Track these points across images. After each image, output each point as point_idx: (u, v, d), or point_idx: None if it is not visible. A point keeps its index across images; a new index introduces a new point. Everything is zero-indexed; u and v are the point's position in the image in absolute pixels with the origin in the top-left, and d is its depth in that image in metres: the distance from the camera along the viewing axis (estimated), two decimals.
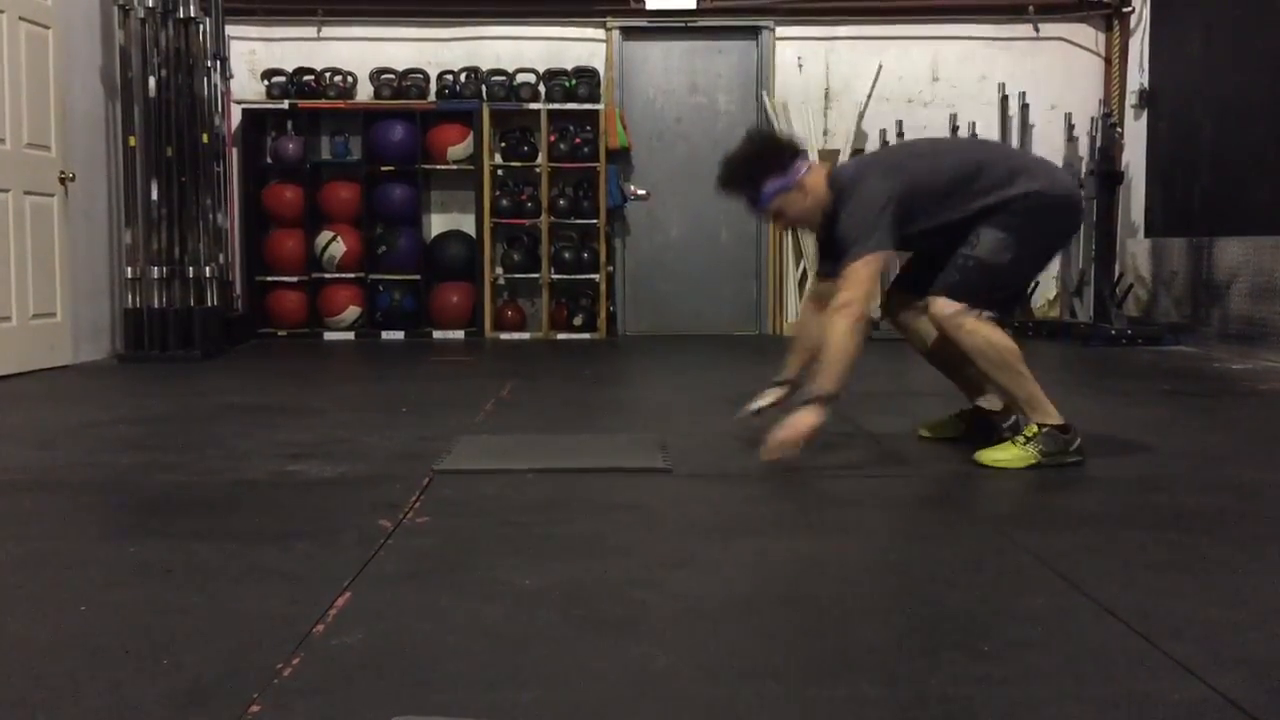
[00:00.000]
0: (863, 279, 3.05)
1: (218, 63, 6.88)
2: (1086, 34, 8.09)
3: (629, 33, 8.06)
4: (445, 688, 1.61)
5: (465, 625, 1.87)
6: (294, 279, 7.74)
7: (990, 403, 3.47)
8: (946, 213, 3.15)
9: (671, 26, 8.06)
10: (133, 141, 6.33)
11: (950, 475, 3.09)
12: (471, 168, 7.80)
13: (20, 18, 5.58)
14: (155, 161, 6.34)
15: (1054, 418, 3.15)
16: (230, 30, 7.33)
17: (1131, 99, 7.79)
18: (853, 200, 3.14)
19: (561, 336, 7.80)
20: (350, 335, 7.71)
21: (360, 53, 7.95)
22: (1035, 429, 3.15)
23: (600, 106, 7.79)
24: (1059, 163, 7.81)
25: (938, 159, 3.22)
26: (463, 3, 7.96)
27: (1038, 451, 3.12)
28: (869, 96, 8.00)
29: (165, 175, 6.37)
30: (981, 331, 3.12)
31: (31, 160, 5.69)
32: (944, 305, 3.14)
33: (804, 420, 3.02)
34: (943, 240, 3.18)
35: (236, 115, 7.67)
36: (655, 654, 1.74)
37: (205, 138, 6.60)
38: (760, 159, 3.20)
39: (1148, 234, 7.61)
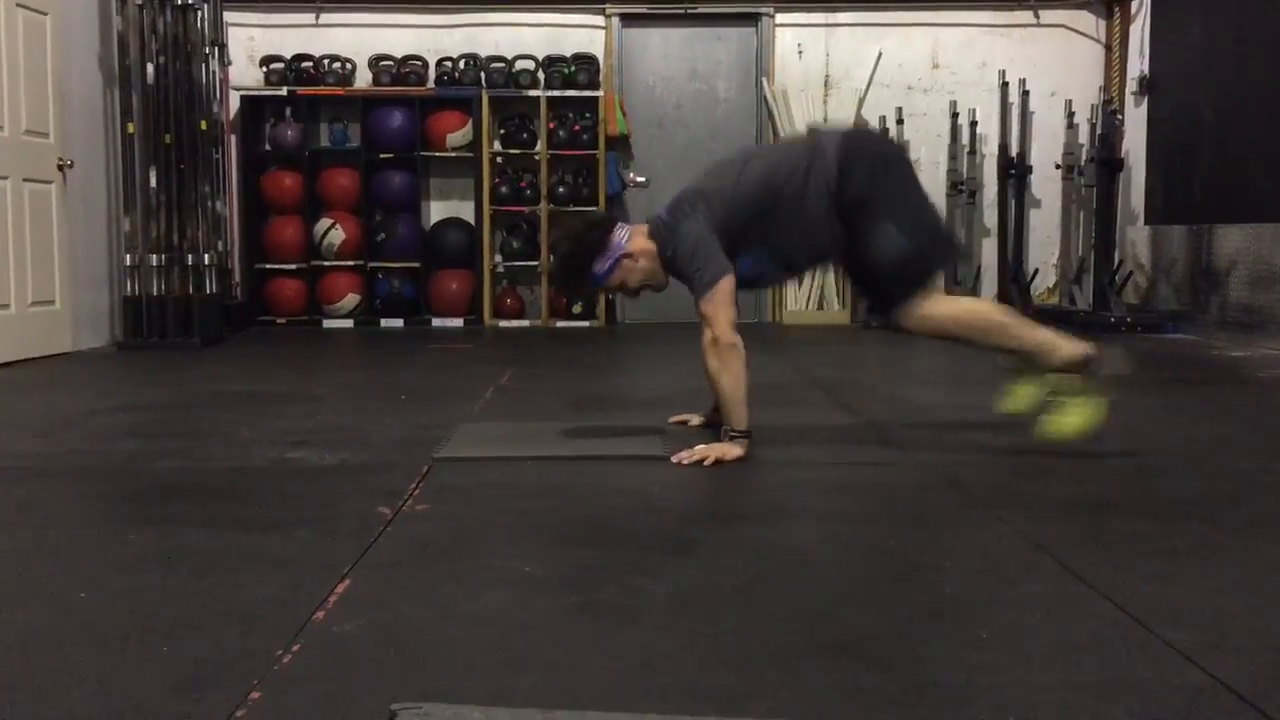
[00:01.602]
0: (717, 312, 3.07)
1: (216, 49, 6.86)
2: (1087, 21, 8.07)
3: (628, 19, 8.04)
4: (445, 674, 1.61)
5: (465, 612, 1.88)
6: (293, 266, 7.74)
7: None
8: (780, 221, 3.12)
9: (671, 13, 8.04)
10: (131, 128, 6.32)
11: (948, 462, 3.10)
12: (471, 155, 7.79)
13: (18, 4, 5.56)
14: (154, 149, 6.33)
15: (1072, 350, 3.07)
16: (228, 16, 7.31)
17: (1132, 86, 7.77)
18: (674, 250, 3.15)
19: (561, 324, 7.80)
20: (349, 323, 7.71)
21: (359, 39, 7.93)
22: (1062, 379, 3.07)
23: (599, 93, 7.77)
24: (1059, 152, 7.83)
25: (740, 176, 3.17)
26: None
27: (1083, 389, 3.05)
28: (869, 83, 7.98)
29: (164, 162, 6.36)
30: (947, 314, 3.11)
31: (30, 147, 5.68)
32: (906, 319, 3.11)
33: (729, 450, 3.07)
34: (828, 240, 3.15)
35: (235, 102, 7.65)
36: (654, 640, 1.74)
37: (204, 125, 6.59)
38: (577, 251, 3.23)
39: (1147, 221, 7.60)
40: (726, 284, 3.10)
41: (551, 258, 3.33)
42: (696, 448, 3.09)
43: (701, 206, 3.14)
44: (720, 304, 3.08)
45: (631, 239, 3.22)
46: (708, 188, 3.19)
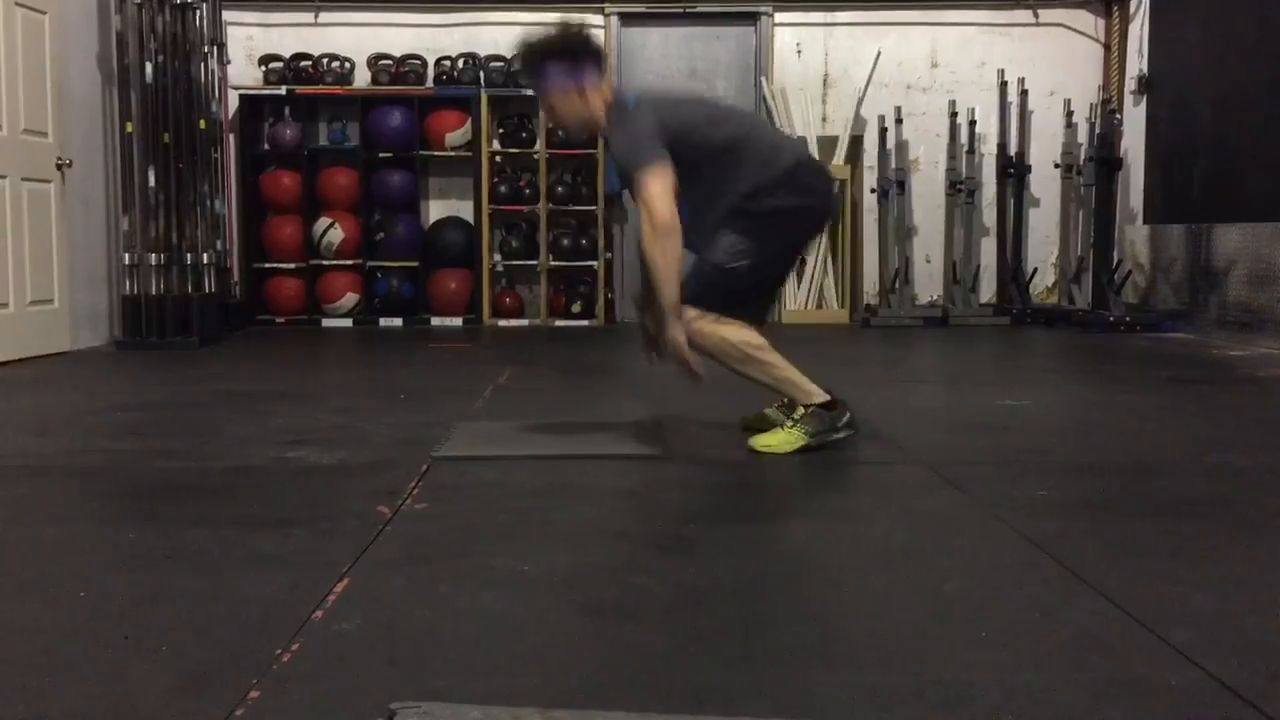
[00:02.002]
0: (655, 197, 3.03)
1: (215, 48, 6.86)
2: (1085, 20, 8.07)
3: (627, 18, 8.04)
4: (444, 673, 1.61)
5: (463, 611, 1.88)
6: (292, 266, 7.73)
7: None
8: (704, 185, 3.15)
9: (670, 12, 8.03)
10: (130, 127, 6.31)
11: (947, 462, 3.10)
12: (470, 154, 7.78)
13: (16, 3, 5.56)
14: (152, 148, 6.33)
15: (817, 396, 3.21)
16: (227, 15, 7.30)
17: (1131, 85, 7.77)
18: (623, 127, 3.15)
19: (560, 323, 7.80)
20: (348, 322, 7.71)
21: (358, 38, 7.92)
22: (801, 410, 3.22)
23: None
24: (1058, 151, 7.83)
25: (714, 124, 3.20)
26: None
27: (804, 433, 3.19)
28: (868, 83, 7.98)
29: (163, 161, 6.36)
30: (716, 332, 3.17)
31: (28, 146, 5.68)
32: (686, 313, 3.17)
33: (676, 337, 3.09)
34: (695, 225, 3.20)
35: (234, 101, 7.65)
36: (653, 639, 1.74)
37: (202, 124, 6.59)
38: (553, 46, 3.22)
39: (1146, 220, 7.60)
40: (665, 169, 3.06)
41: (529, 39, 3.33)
42: (678, 366, 3.12)
43: (667, 116, 3.14)
44: (658, 186, 3.03)
45: (597, 85, 3.21)
46: (682, 109, 3.21)
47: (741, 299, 3.25)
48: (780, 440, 3.20)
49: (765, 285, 3.40)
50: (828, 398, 3.22)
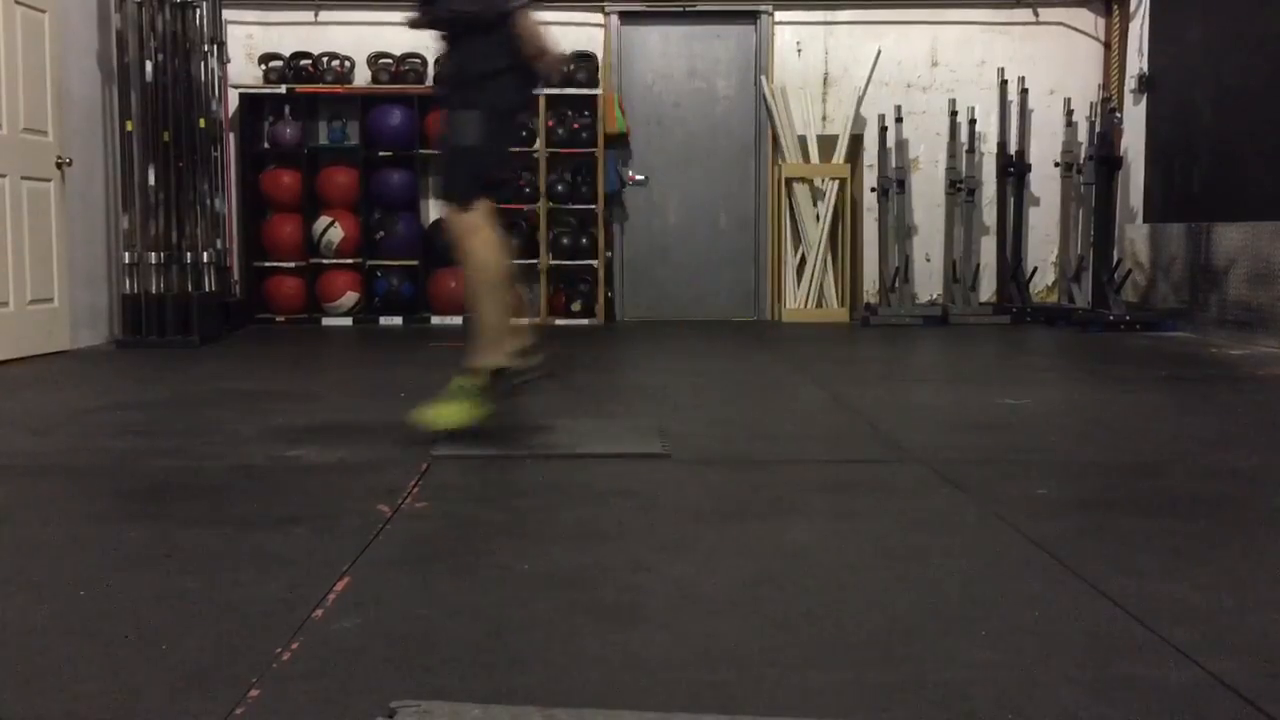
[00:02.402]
0: None
1: (215, 47, 6.86)
2: (1086, 19, 8.07)
3: (627, 17, 8.03)
4: (443, 672, 1.61)
5: (463, 610, 1.88)
6: (292, 264, 7.73)
7: None
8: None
9: (670, 11, 8.03)
10: (130, 126, 6.32)
11: (947, 462, 3.10)
12: None
13: (16, 2, 5.56)
14: (152, 146, 6.33)
15: (498, 363, 3.18)
16: (227, 14, 7.30)
17: (1131, 84, 7.77)
18: None
19: (560, 322, 7.80)
20: (348, 321, 7.71)
21: (358, 37, 7.92)
22: (462, 380, 3.19)
23: (598, 91, 7.77)
24: (1058, 150, 7.84)
25: None
26: None
27: (471, 403, 3.17)
28: (868, 81, 7.98)
29: (162, 160, 6.36)
30: (481, 239, 3.14)
31: (28, 145, 5.68)
32: (452, 221, 3.16)
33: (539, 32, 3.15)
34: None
35: (234, 100, 7.65)
36: (653, 639, 1.74)
37: (202, 122, 6.59)
38: None
39: (1146, 219, 7.60)
40: None
41: None
42: (550, 63, 3.25)
43: None
44: None
45: None
46: None
47: (488, 179, 3.23)
48: (454, 413, 3.18)
49: (503, 159, 3.33)
50: (504, 365, 3.18)
